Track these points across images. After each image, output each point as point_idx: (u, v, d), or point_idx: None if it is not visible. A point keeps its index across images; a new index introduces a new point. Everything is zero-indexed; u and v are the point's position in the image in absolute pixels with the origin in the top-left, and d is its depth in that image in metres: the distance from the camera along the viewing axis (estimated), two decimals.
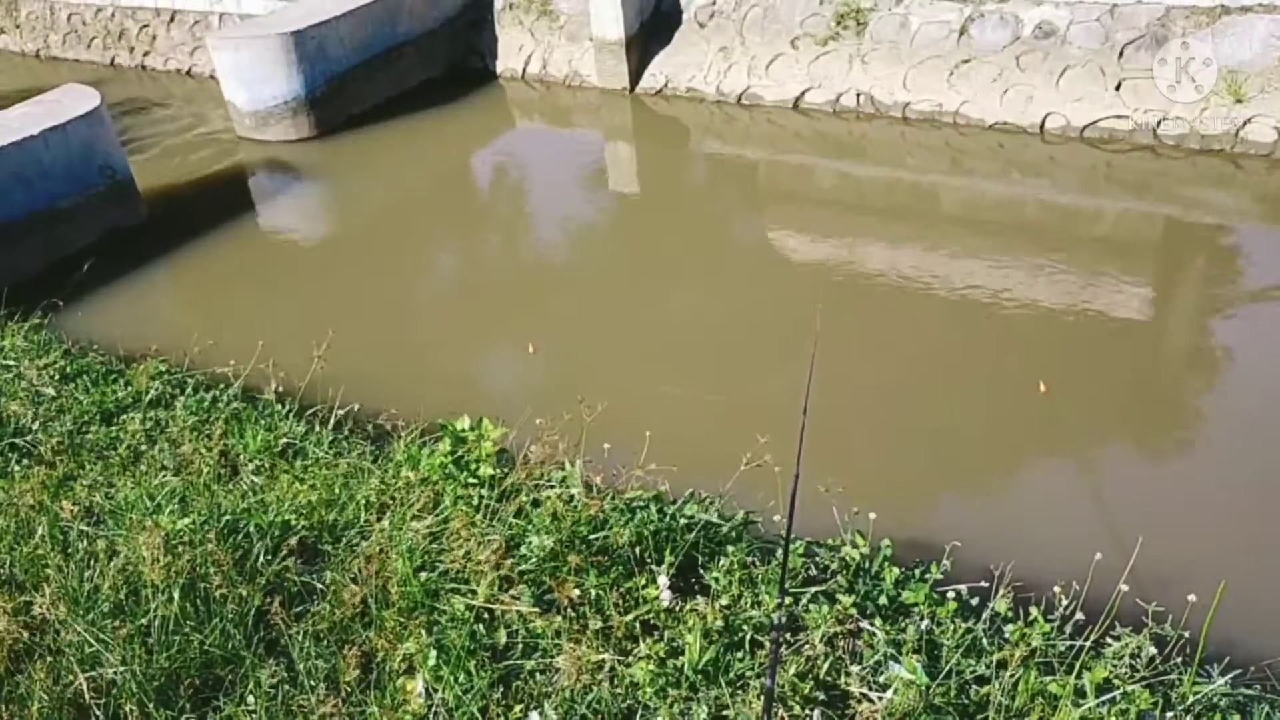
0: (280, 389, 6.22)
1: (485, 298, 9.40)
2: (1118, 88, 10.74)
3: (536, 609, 4.08)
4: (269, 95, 12.77)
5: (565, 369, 7.89)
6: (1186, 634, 4.10)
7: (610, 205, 11.67)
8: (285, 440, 5.71)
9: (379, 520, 4.72)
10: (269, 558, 4.49)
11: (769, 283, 9.12)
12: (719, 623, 4.03)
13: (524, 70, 14.48)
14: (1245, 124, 10.08)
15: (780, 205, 10.99)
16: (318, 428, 5.90)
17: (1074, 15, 11.09)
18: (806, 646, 4.03)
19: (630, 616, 4.10)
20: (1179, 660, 4.04)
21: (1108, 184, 10.29)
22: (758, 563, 4.50)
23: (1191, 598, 4.05)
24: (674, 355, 8.07)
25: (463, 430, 4.84)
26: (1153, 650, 4.00)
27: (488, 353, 8.52)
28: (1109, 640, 4.13)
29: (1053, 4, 11.21)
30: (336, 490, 5.03)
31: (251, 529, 4.65)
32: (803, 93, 12.38)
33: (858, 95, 12.04)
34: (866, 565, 4.51)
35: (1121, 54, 10.80)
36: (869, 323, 8.24)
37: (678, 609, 4.18)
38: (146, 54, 17.20)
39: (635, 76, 13.51)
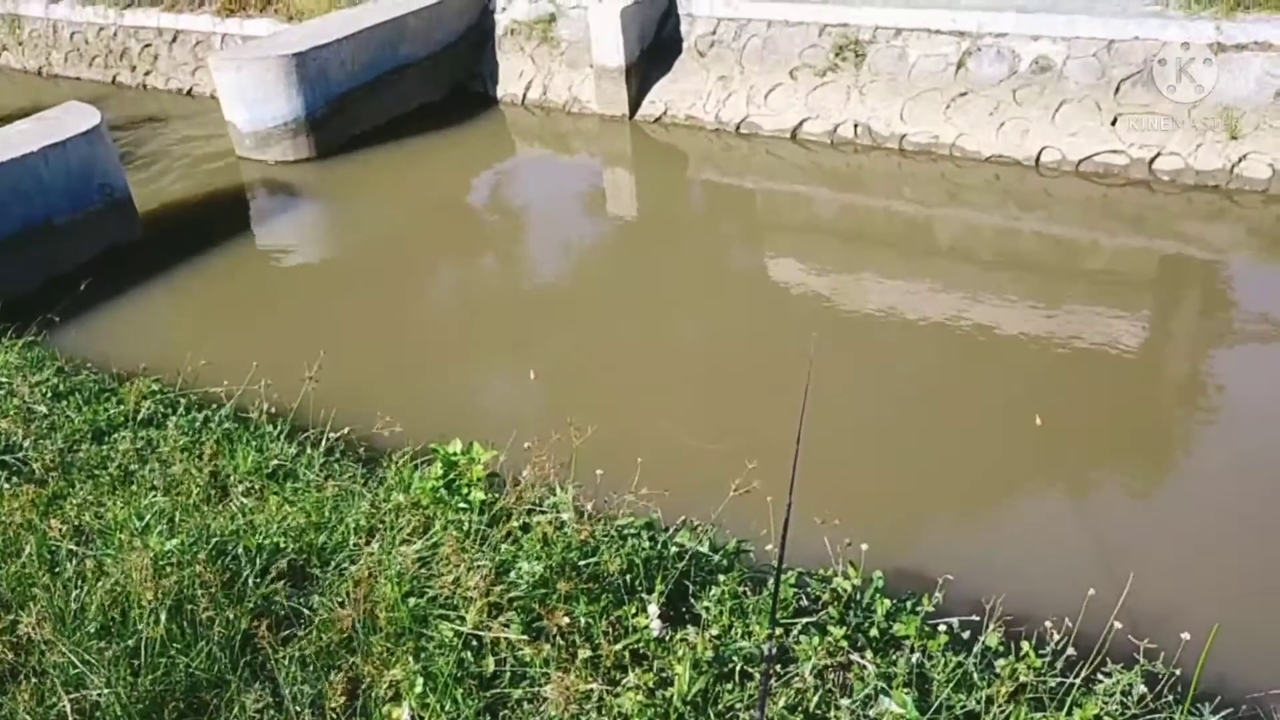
0: (272, 410, 6.21)
1: (482, 321, 9.41)
2: (1114, 123, 10.81)
3: (525, 636, 4.05)
4: (269, 116, 12.82)
5: (560, 393, 7.89)
6: (1179, 671, 4.08)
7: (608, 231, 11.70)
8: (276, 462, 5.68)
9: (368, 544, 4.70)
10: (257, 580, 4.47)
11: (765, 311, 9.14)
12: (709, 653, 4.00)
13: (524, 95, 14.55)
14: (1240, 160, 10.14)
15: (777, 234, 11.03)
16: (309, 450, 5.87)
17: (1071, 50, 11.17)
18: (796, 679, 4.00)
19: (620, 645, 4.08)
20: (1170, 699, 4.01)
21: (1103, 218, 10.33)
22: (749, 592, 4.48)
23: (1185, 635, 4.03)
24: (669, 382, 8.07)
25: (454, 454, 4.83)
26: (1143, 688, 3.98)
27: (483, 376, 8.52)
28: (1100, 677, 4.10)
29: (1050, 39, 11.30)
30: (326, 513, 5.00)
31: (240, 551, 4.62)
32: (801, 123, 12.44)
33: (855, 126, 12.11)
34: (858, 597, 4.49)
35: (1118, 89, 10.87)
36: (864, 352, 8.25)
37: (668, 638, 4.15)
38: (148, 73, 17.27)
39: (635, 103, 13.59)
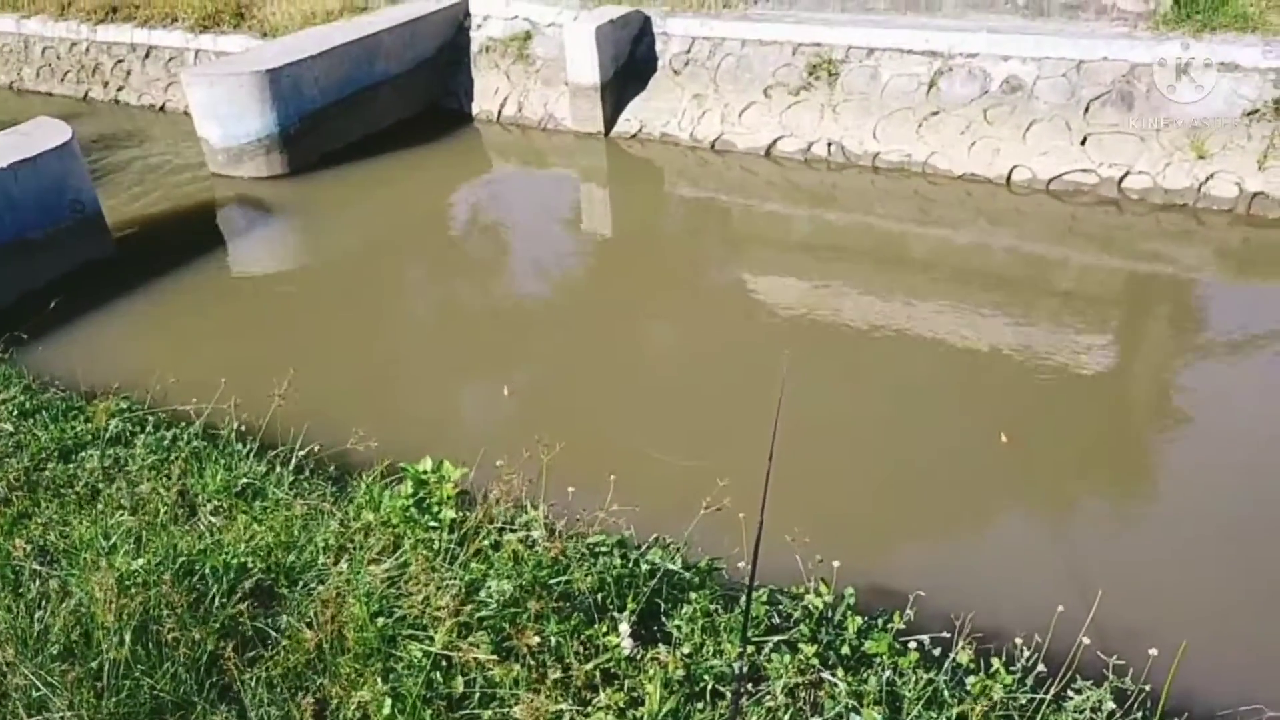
0: (242, 428, 6.16)
1: (455, 338, 9.38)
2: (1083, 142, 10.93)
3: (495, 656, 4.02)
4: (242, 132, 12.76)
5: (533, 410, 7.84)
6: (1148, 688, 4.10)
7: (583, 248, 11.71)
8: (245, 480, 5.63)
9: (337, 564, 4.66)
10: (224, 600, 4.42)
11: (738, 328, 9.15)
12: (680, 672, 3.99)
13: (499, 112, 14.56)
14: (1208, 179, 10.27)
15: (752, 251, 11.06)
16: (278, 468, 5.83)
17: (1041, 71, 11.29)
18: (768, 697, 3.99)
19: (590, 665, 4.05)
20: (1140, 715, 4.03)
21: (1073, 236, 10.43)
22: (721, 610, 4.47)
23: (1153, 652, 4.05)
24: (643, 398, 8.07)
25: (424, 472, 4.80)
26: (1112, 705, 3.99)
27: (456, 393, 8.48)
28: (1070, 693, 4.12)
29: (1020, 60, 11.41)
30: (295, 532, 4.96)
31: (207, 571, 4.58)
32: (775, 141, 12.51)
33: (829, 144, 12.18)
34: (830, 614, 4.49)
35: (1087, 109, 10.99)
36: (836, 369, 8.27)
37: (639, 657, 4.13)
38: (121, 89, 17.17)
39: (610, 121, 13.62)
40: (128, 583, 4.41)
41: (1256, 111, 10.23)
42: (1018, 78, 11.40)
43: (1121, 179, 10.66)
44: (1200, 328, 8.98)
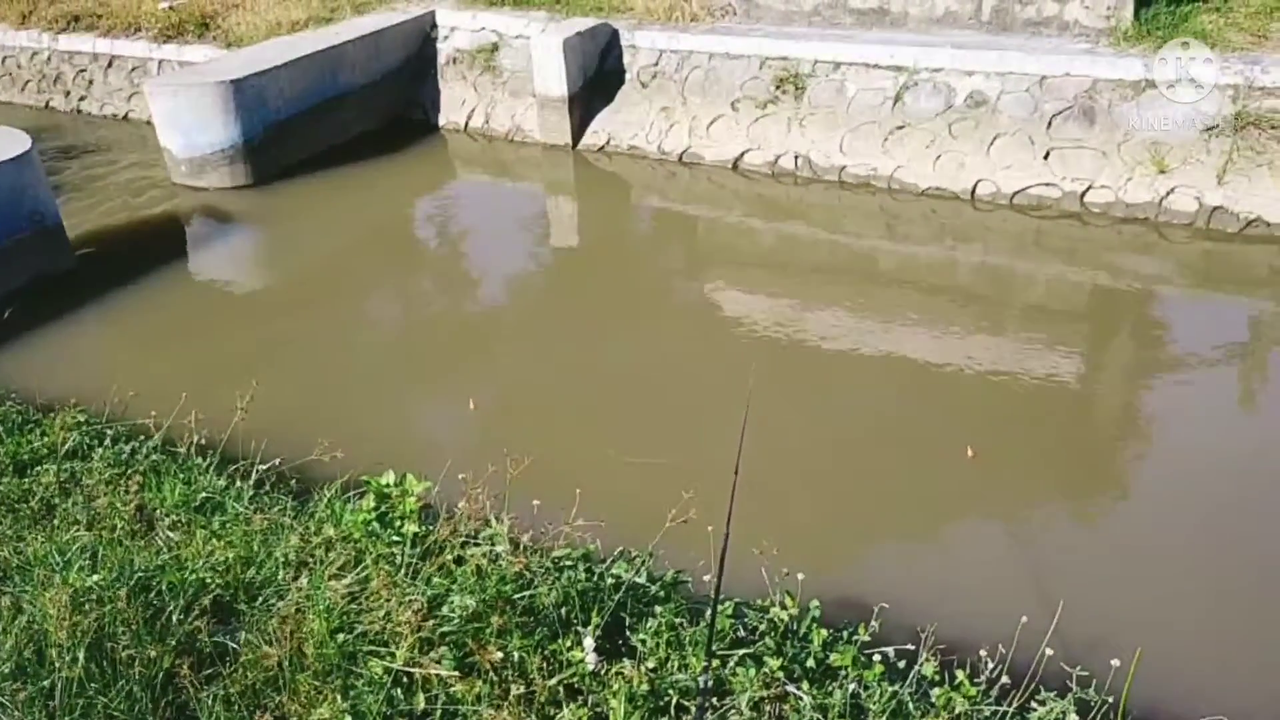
0: (203, 441, 6.07)
1: (421, 350, 9.32)
2: (1046, 156, 11.03)
3: (457, 672, 3.97)
4: (205, 143, 12.64)
5: (499, 423, 7.81)
6: (1110, 699, 4.12)
7: (550, 260, 11.68)
8: (204, 495, 5.55)
9: (297, 579, 4.59)
10: (181, 617, 4.34)
11: (705, 341, 9.15)
12: (645, 686, 3.96)
13: (466, 124, 14.52)
14: (1168, 194, 10.39)
15: (719, 264, 11.08)
16: (238, 482, 5.74)
17: (1004, 85, 11.40)
18: (733, 711, 3.97)
19: (554, 680, 4.02)
20: None
21: (1037, 250, 10.52)
22: (687, 623, 4.44)
23: (1115, 663, 4.07)
24: (609, 411, 8.04)
25: (386, 486, 4.75)
26: (1075, 716, 4.00)
27: (421, 406, 8.41)
28: (1034, 705, 4.13)
29: (984, 74, 11.52)
30: (255, 547, 4.88)
31: (164, 587, 4.50)
32: (742, 154, 12.54)
33: (796, 158, 12.23)
34: (795, 627, 4.48)
35: (1050, 124, 11.11)
36: (802, 383, 8.29)
37: (603, 672, 4.10)
38: (83, 98, 16.98)
39: (578, 133, 13.61)
40: (82, 599, 4.32)
41: (1215, 127, 10.38)
42: (982, 93, 11.51)
43: (1084, 193, 10.77)
44: (1162, 340, 9.08)
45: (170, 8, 16.44)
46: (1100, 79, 10.98)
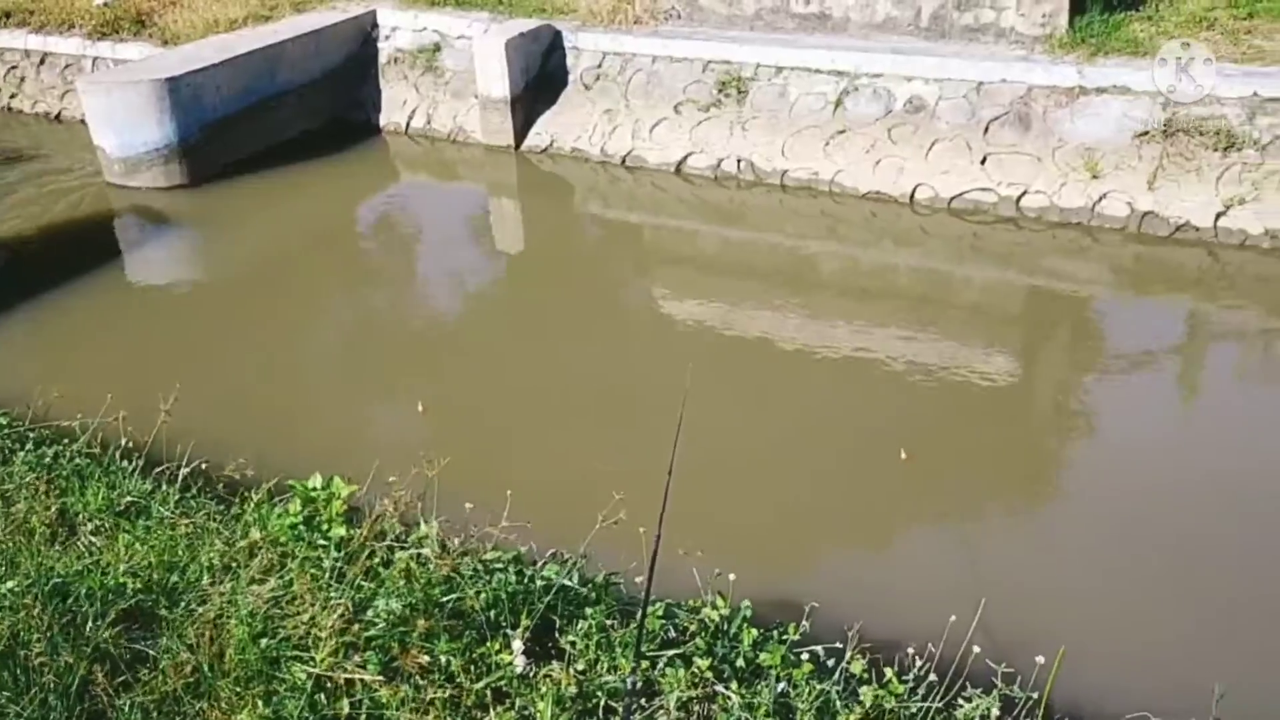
0: (129, 444, 5.94)
1: (355, 353, 9.22)
2: (983, 162, 11.18)
3: (381, 677, 3.92)
4: (140, 142, 12.40)
5: (431, 426, 7.74)
6: (1035, 695, 4.16)
7: (491, 263, 11.62)
8: (129, 499, 5.42)
9: (220, 584, 4.50)
10: (98, 623, 4.23)
11: (645, 343, 9.15)
12: (572, 689, 3.93)
13: (408, 124, 14.39)
14: (1101, 199, 10.57)
15: (661, 268, 11.09)
16: (164, 486, 5.63)
17: (943, 91, 11.54)
18: (660, 712, 3.95)
19: (481, 684, 3.97)
20: None
21: (974, 254, 10.66)
22: (617, 625, 4.42)
23: (1039, 659, 4.12)
24: (546, 413, 8.00)
25: (313, 489, 4.67)
26: (997, 712, 4.04)
27: (353, 409, 8.30)
28: (960, 701, 4.16)
29: (923, 80, 11.65)
30: (179, 552, 4.78)
31: (83, 593, 4.38)
32: (685, 157, 12.56)
33: (738, 161, 12.27)
34: (726, 627, 4.47)
35: (987, 130, 11.26)
36: (740, 385, 8.30)
37: (531, 675, 4.07)
38: (14, 96, 16.55)
39: (520, 135, 13.55)
40: None
41: (1146, 133, 10.58)
42: (920, 98, 11.63)
43: (1020, 198, 10.92)
44: (1094, 342, 9.23)
45: (105, 4, 16.12)
46: (1035, 85, 11.16)
